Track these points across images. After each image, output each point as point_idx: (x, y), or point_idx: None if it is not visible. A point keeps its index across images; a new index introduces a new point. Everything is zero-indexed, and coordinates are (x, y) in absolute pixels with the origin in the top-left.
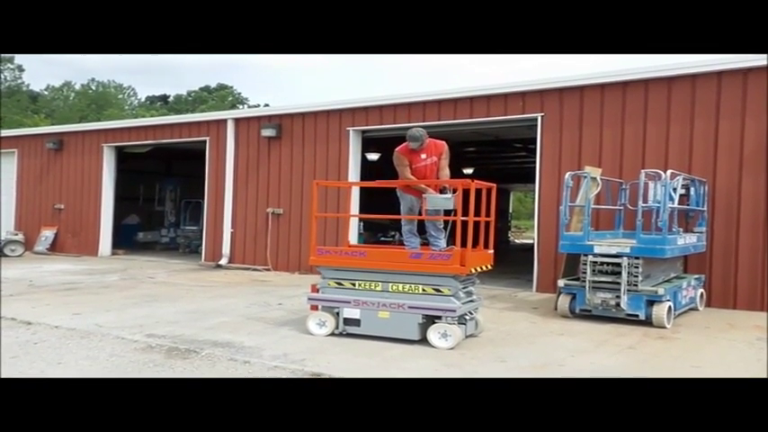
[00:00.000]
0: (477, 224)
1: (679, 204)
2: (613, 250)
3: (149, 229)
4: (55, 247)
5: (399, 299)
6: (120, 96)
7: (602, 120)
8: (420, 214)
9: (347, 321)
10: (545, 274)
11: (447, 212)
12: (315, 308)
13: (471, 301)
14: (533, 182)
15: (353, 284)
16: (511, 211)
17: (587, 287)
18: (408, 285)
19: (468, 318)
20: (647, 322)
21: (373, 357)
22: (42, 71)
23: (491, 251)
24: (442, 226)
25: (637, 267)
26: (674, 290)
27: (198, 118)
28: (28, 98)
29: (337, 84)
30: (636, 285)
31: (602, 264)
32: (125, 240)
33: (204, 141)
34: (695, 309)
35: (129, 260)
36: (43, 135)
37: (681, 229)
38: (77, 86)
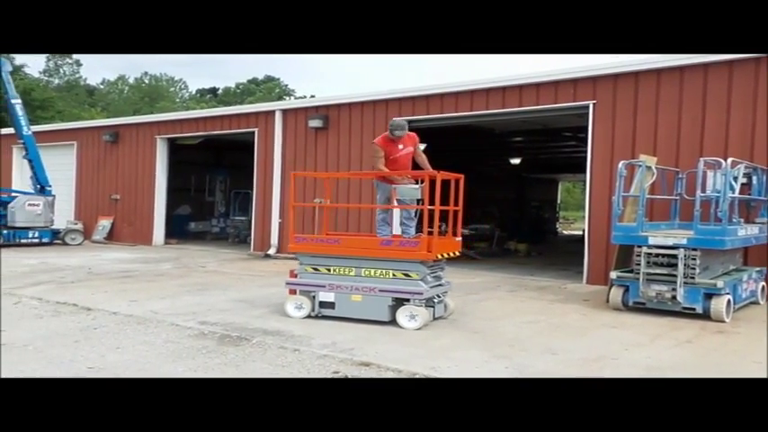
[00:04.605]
0: (447, 212)
1: (740, 194)
2: (669, 241)
3: (200, 219)
4: (111, 236)
5: (371, 283)
6: (172, 89)
7: (658, 106)
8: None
9: (322, 304)
10: (596, 265)
11: (419, 202)
12: (293, 292)
13: (440, 285)
14: (583, 172)
15: (329, 270)
16: (559, 201)
17: (641, 279)
18: (379, 270)
19: (436, 301)
20: (705, 316)
21: (420, 347)
22: (98, 65)
23: (459, 238)
24: (412, 215)
25: (694, 259)
26: (734, 283)
27: (247, 109)
28: (85, 92)
29: (384, 72)
30: (693, 278)
31: (656, 255)
32: (177, 230)
33: (253, 132)
34: (756, 302)
35: (182, 249)
36: (100, 128)
37: (742, 220)
38: (131, 80)
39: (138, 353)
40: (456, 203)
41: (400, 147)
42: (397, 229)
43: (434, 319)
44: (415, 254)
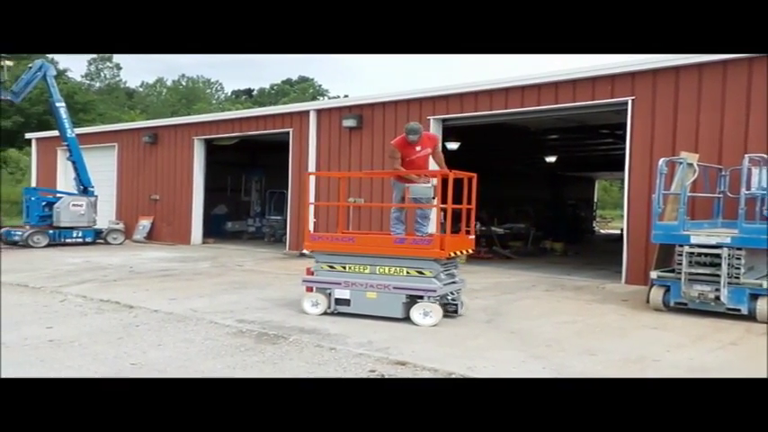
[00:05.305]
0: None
1: None
2: (712, 240)
3: (237, 219)
4: (151, 236)
5: (385, 280)
6: (208, 91)
7: (700, 102)
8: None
9: (338, 301)
10: (635, 265)
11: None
12: (310, 289)
13: (453, 282)
14: (620, 169)
15: (344, 267)
16: (596, 200)
17: (683, 279)
18: (393, 268)
19: (450, 298)
20: (750, 317)
21: (456, 347)
22: (137, 68)
23: (472, 236)
24: (427, 214)
25: (739, 259)
26: None
27: (282, 110)
28: (125, 95)
29: (417, 71)
30: (737, 278)
31: (699, 255)
32: (214, 229)
33: (288, 133)
34: None
35: (219, 248)
36: (140, 129)
37: None
38: (169, 82)
39: (178, 350)
40: (469, 202)
41: (418, 149)
42: (432, 229)
43: (456, 315)
44: (428, 251)
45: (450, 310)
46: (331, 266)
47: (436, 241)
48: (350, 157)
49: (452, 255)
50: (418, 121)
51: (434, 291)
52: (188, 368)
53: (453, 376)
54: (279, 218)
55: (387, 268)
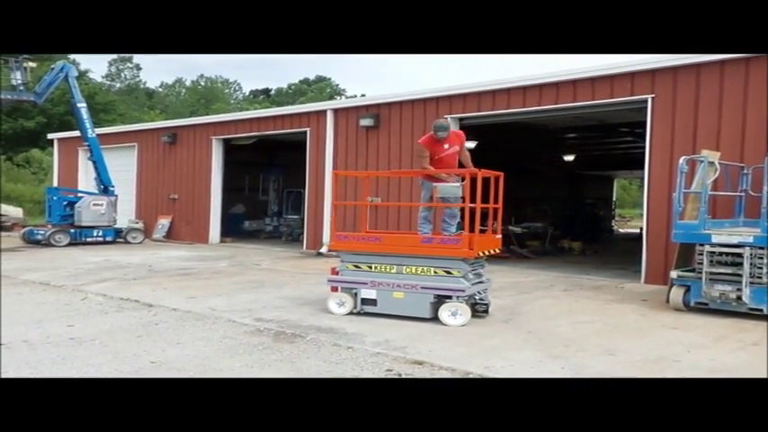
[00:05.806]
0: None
1: None
2: (734, 240)
3: (254, 218)
4: (170, 235)
5: (412, 280)
6: (227, 91)
7: (722, 99)
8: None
9: (365, 301)
10: (655, 264)
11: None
12: (335, 289)
13: (481, 282)
14: (640, 168)
15: (370, 267)
16: (615, 198)
17: (704, 279)
18: (421, 268)
19: (477, 298)
20: None
21: (473, 347)
22: (157, 68)
23: (499, 236)
24: (455, 213)
25: (761, 258)
26: None
27: (299, 109)
28: (145, 95)
29: (434, 71)
30: (760, 277)
31: (720, 254)
32: (232, 228)
33: (305, 132)
34: None
35: (236, 247)
36: (159, 129)
37: None
38: (188, 83)
39: (197, 348)
40: (496, 201)
41: (446, 146)
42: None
43: (486, 315)
44: (457, 251)
45: (479, 310)
46: (356, 266)
47: (465, 241)
48: (367, 157)
49: (480, 254)
50: (435, 119)
51: (463, 290)
52: (207, 366)
53: (471, 376)
54: (296, 217)
55: (414, 268)
